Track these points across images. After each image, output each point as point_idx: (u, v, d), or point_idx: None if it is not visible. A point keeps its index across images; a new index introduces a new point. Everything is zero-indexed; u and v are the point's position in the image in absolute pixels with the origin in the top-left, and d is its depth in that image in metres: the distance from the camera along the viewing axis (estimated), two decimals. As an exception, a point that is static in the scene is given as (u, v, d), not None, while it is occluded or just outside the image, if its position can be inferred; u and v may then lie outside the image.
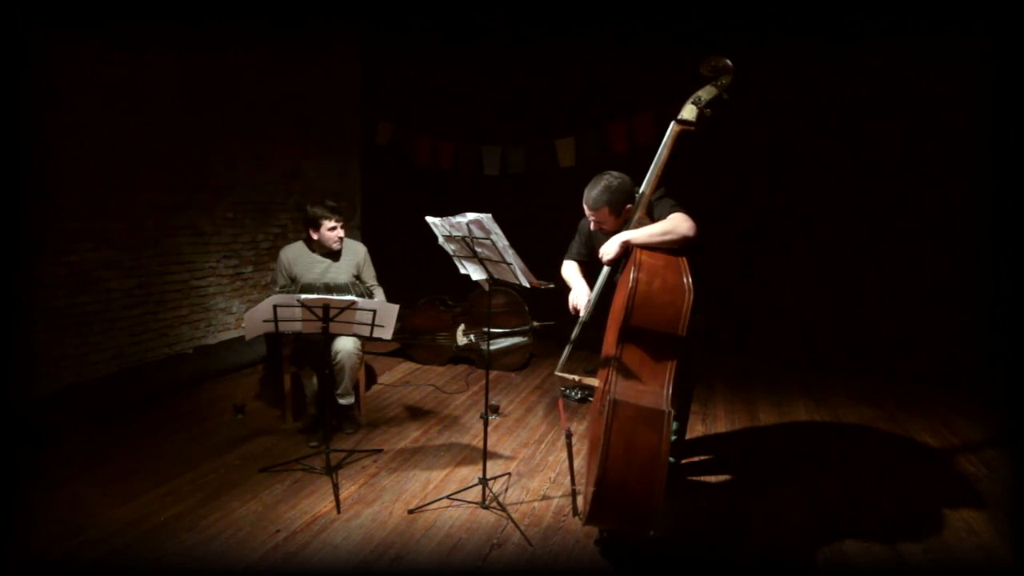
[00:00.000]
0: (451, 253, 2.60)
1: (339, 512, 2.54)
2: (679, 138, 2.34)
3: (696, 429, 3.51)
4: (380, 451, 3.15)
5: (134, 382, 3.81)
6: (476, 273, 2.59)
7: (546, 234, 4.55)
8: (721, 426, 3.61)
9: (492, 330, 4.54)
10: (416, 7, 5.45)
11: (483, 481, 2.65)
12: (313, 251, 3.35)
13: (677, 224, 2.20)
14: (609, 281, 2.43)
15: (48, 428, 3.18)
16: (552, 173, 5.27)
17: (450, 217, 2.37)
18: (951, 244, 4.49)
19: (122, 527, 2.39)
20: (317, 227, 3.26)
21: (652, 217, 2.34)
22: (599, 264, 2.42)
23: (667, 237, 2.19)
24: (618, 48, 5.07)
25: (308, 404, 3.33)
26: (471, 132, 5.58)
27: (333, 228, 3.28)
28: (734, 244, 5.00)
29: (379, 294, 3.45)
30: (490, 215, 2.22)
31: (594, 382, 2.36)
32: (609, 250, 2.29)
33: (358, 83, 5.94)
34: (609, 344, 2.24)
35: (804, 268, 4.92)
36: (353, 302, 2.64)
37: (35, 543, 2.26)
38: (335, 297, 2.69)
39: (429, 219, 2.52)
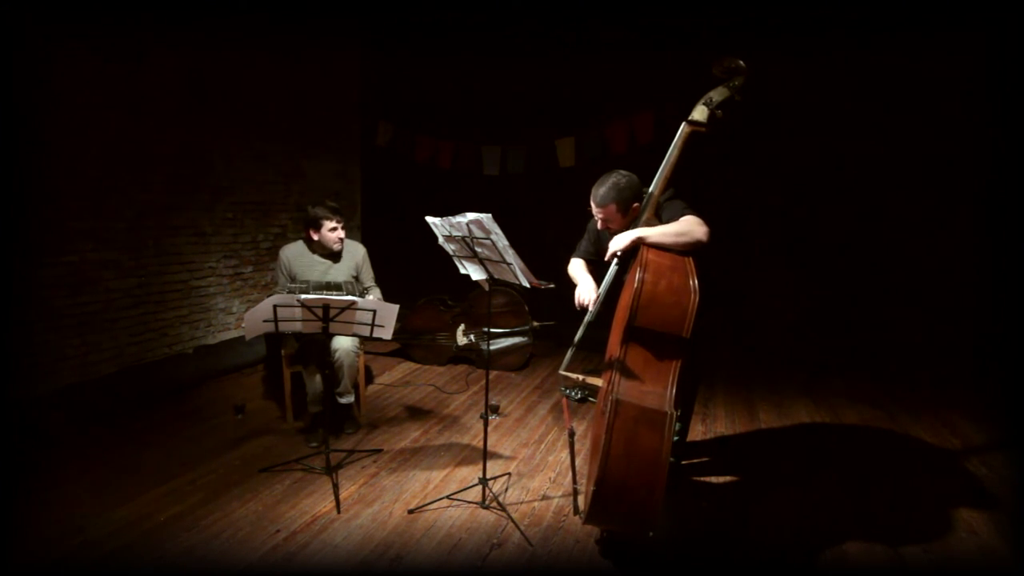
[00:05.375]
0: (451, 253, 2.60)
1: (339, 512, 2.55)
2: (689, 139, 2.33)
3: (696, 429, 3.51)
4: (380, 451, 3.15)
5: (134, 382, 3.81)
6: (476, 273, 2.59)
7: (546, 234, 4.56)
8: (721, 426, 3.61)
9: (492, 330, 4.54)
10: (416, 7, 5.45)
11: (483, 481, 2.65)
12: (313, 252, 3.35)
13: (692, 228, 2.18)
14: (616, 280, 2.42)
15: (48, 428, 3.18)
16: (552, 173, 5.27)
17: (450, 217, 2.36)
18: (951, 244, 4.49)
19: (122, 527, 2.39)
20: (318, 228, 3.26)
21: (660, 218, 2.32)
22: (606, 265, 2.42)
23: (681, 239, 2.16)
24: (618, 48, 5.08)
25: (309, 404, 3.33)
26: (471, 132, 5.58)
27: (334, 229, 3.28)
28: (734, 244, 5.00)
29: (375, 294, 3.44)
30: (490, 215, 2.22)
31: (598, 382, 2.36)
32: (620, 243, 2.24)
33: (358, 83, 5.94)
34: (614, 344, 2.24)
35: (804, 268, 4.92)
36: (353, 302, 2.64)
37: (35, 543, 2.26)
38: (335, 297, 2.69)
39: (429, 219, 2.52)
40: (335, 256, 3.37)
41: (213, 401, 3.78)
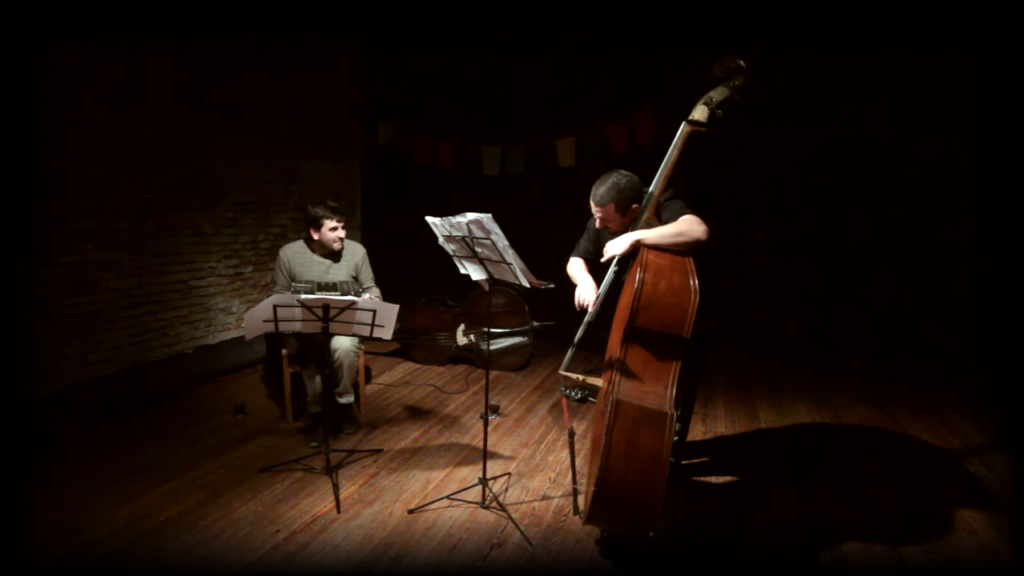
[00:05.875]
0: (451, 253, 2.60)
1: (339, 512, 2.55)
2: (689, 139, 2.33)
3: (696, 429, 3.51)
4: (380, 451, 3.15)
5: (134, 382, 3.81)
6: (476, 273, 2.59)
7: (546, 234, 4.56)
8: (721, 426, 3.61)
9: (492, 330, 4.54)
10: (416, 7, 5.45)
11: (483, 481, 2.65)
12: (313, 251, 3.35)
13: (691, 227, 2.17)
14: (616, 280, 2.42)
15: (48, 428, 3.18)
16: (552, 173, 5.27)
17: (450, 217, 2.36)
18: (951, 244, 4.49)
19: (122, 527, 2.39)
20: (319, 227, 3.27)
21: (660, 218, 2.31)
22: (605, 264, 2.41)
23: (679, 239, 2.15)
24: (618, 48, 5.08)
25: (309, 404, 3.33)
26: (471, 132, 5.58)
27: (334, 228, 3.28)
28: (734, 244, 5.00)
29: (375, 294, 3.43)
30: (490, 215, 2.22)
31: (598, 382, 2.36)
32: (618, 246, 2.24)
33: (358, 83, 5.94)
34: (614, 344, 2.23)
35: (804, 268, 4.92)
36: (353, 302, 2.64)
37: (35, 543, 2.26)
38: (335, 297, 2.69)
39: (429, 219, 2.52)
40: (335, 256, 3.38)
41: (213, 401, 3.78)
